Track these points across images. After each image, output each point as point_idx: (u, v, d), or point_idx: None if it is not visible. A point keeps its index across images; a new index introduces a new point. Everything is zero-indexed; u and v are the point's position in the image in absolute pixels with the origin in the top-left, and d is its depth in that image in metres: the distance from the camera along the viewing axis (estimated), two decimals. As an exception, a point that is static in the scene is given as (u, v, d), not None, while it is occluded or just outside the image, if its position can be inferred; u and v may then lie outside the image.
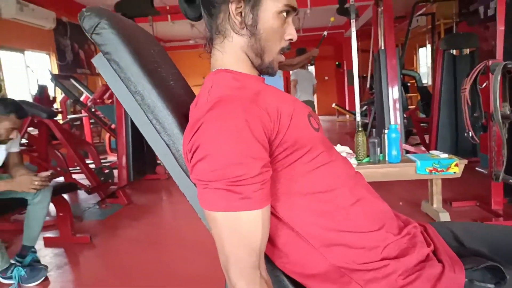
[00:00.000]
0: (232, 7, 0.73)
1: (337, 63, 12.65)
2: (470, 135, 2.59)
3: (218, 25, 0.76)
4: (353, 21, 3.99)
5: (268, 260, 0.74)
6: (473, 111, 2.61)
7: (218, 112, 0.62)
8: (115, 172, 4.17)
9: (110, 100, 5.65)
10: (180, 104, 0.79)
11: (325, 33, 3.87)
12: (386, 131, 2.45)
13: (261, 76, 0.81)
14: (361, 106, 4.83)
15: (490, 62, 2.37)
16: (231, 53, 0.77)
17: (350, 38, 4.18)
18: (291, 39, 0.77)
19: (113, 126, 5.46)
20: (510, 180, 2.36)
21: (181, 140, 0.73)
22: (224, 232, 0.62)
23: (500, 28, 2.80)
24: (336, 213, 0.69)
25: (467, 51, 4.36)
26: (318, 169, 0.70)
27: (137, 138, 4.23)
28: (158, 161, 4.64)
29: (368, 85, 8.11)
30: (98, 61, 0.76)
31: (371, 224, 0.71)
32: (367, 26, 9.14)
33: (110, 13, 0.76)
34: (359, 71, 4.24)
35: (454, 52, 4.31)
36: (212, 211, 0.62)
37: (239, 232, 0.62)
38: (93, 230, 2.81)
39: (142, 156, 4.38)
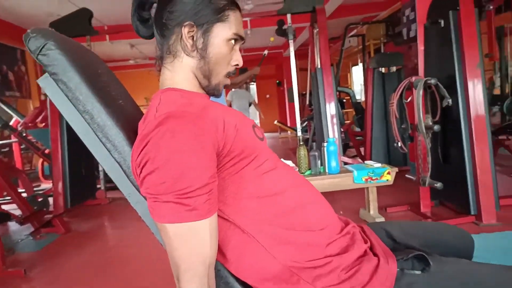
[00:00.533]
0: (185, 30, 0.78)
1: (277, 81, 13.07)
2: (399, 145, 2.82)
3: (169, 46, 0.80)
4: (291, 42, 4.21)
5: (222, 267, 0.77)
6: (400, 123, 2.86)
7: (166, 127, 0.65)
8: (51, 199, 3.94)
9: (44, 124, 5.35)
10: (130, 122, 0.81)
11: (266, 52, 4.03)
12: (325, 144, 2.60)
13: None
14: (302, 122, 5.03)
15: (413, 78, 2.63)
16: (180, 73, 0.81)
17: (289, 57, 4.40)
18: (237, 65, 0.83)
19: (47, 151, 5.16)
20: (436, 184, 2.61)
21: (130, 156, 0.75)
22: (175, 243, 0.65)
23: (420, 48, 3.12)
24: (283, 214, 0.75)
25: (394, 69, 4.77)
26: (264, 175, 0.76)
27: (75, 162, 4.04)
28: (98, 186, 4.45)
29: (307, 102, 8.50)
30: (44, 81, 0.76)
31: (316, 224, 0.77)
32: (304, 46, 9.62)
33: (57, 34, 0.76)
34: (298, 89, 4.46)
35: (383, 70, 4.69)
36: (163, 223, 0.65)
37: (189, 242, 0.65)
38: (28, 262, 2.61)
39: (80, 181, 4.18)
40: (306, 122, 7.50)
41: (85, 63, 0.80)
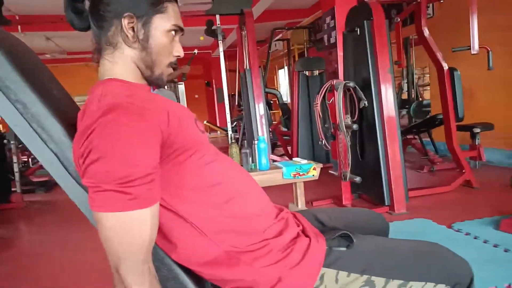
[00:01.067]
0: (125, 21, 0.78)
1: (206, 82, 13.03)
2: (323, 143, 3.03)
3: (109, 37, 0.80)
4: (220, 42, 4.26)
5: (165, 255, 0.79)
6: (324, 122, 3.07)
7: (111, 117, 0.66)
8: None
9: None
10: (66, 113, 0.80)
11: (195, 51, 4.04)
12: (256, 142, 2.70)
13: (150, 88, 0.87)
14: (232, 122, 5.12)
15: (335, 81, 2.84)
16: (121, 64, 0.81)
17: (217, 58, 4.45)
18: (178, 56, 0.86)
19: None
20: (355, 179, 2.85)
21: (70, 148, 0.74)
22: (115, 232, 0.66)
23: (340, 53, 3.38)
24: (223, 203, 0.80)
25: (316, 72, 5.07)
26: (206, 166, 0.79)
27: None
28: (14, 189, 4.07)
29: (236, 103, 8.63)
30: (-31, 70, 0.72)
31: (253, 211, 0.83)
32: (233, 47, 9.74)
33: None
34: (227, 90, 4.54)
35: (307, 73, 4.96)
36: (103, 212, 0.66)
37: (129, 230, 0.66)
38: None
39: (-9, 185, 3.80)
40: (235, 122, 7.61)
41: (16, 52, 0.77)
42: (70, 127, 0.76)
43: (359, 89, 2.78)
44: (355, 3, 3.19)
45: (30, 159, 4.91)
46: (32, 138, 0.74)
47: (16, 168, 4.06)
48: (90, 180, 0.65)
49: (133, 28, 0.79)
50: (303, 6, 8.28)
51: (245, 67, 4.40)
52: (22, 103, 0.72)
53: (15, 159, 4.08)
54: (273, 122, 7.02)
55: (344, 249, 0.84)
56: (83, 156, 0.66)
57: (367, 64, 2.84)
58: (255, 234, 0.81)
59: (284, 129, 6.30)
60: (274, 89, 7.50)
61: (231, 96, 8.98)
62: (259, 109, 4.23)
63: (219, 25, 4.34)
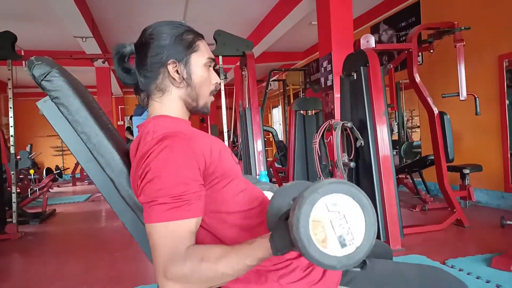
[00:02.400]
0: (170, 68, 0.93)
1: (201, 118, 13.24)
2: (321, 179, 3.15)
3: (157, 84, 0.95)
4: (222, 82, 4.46)
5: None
6: (321, 160, 3.21)
7: (165, 144, 0.78)
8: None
9: None
10: (120, 144, 0.92)
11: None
12: (258, 176, 2.81)
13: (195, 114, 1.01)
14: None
15: (333, 121, 3.01)
16: (168, 103, 0.95)
17: (213, 95, 4.64)
18: (216, 83, 1.00)
19: None
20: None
21: (124, 174, 0.86)
22: (165, 239, 0.75)
23: (336, 95, 3.59)
24: (255, 227, 0.91)
25: (313, 112, 5.29)
26: (240, 194, 0.91)
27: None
28: (9, 219, 4.06)
29: (231, 139, 8.79)
30: (43, 104, 0.84)
31: None
32: (228, 86, 10.05)
33: (58, 64, 0.86)
34: (219, 126, 4.69)
35: (303, 112, 5.18)
36: (155, 223, 0.76)
37: (177, 237, 0.76)
38: None
39: (-13, 214, 3.80)
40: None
41: (80, 90, 0.90)
42: (124, 157, 0.88)
43: (356, 129, 2.95)
44: (352, 51, 3.44)
45: (29, 190, 4.91)
46: (92, 164, 0.86)
47: (14, 198, 4.08)
48: (146, 198, 0.77)
49: (177, 71, 0.94)
50: (298, 49, 8.72)
51: (245, 105, 4.59)
52: (87, 135, 0.84)
53: (13, 189, 4.10)
54: (268, 159, 7.17)
55: (358, 269, 0.94)
56: (141, 177, 0.77)
57: (363, 106, 3.03)
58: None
59: (279, 166, 6.44)
60: (270, 127, 7.71)
61: (227, 133, 9.15)
62: (258, 145, 4.37)
63: (222, 66, 4.57)
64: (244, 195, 0.92)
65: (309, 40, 7.84)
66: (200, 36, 0.99)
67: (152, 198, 0.76)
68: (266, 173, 2.88)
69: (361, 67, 3.06)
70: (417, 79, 3.35)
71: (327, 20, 4.04)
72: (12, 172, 4.11)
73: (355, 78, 3.18)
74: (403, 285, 0.91)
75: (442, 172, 3.42)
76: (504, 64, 3.94)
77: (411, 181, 4.66)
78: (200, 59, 0.96)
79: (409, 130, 8.17)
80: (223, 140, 4.76)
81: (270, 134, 7.52)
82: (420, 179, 4.75)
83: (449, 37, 3.47)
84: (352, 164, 2.94)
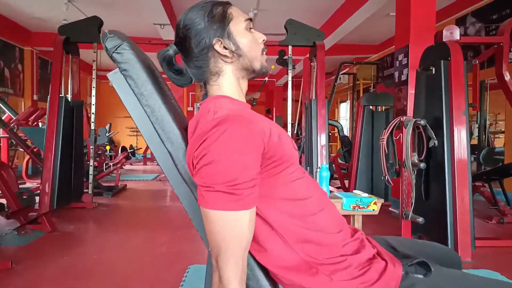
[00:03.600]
0: (217, 47, 0.91)
1: (267, 109, 13.34)
2: (386, 178, 2.99)
3: (211, 69, 0.93)
4: (290, 72, 4.42)
5: (250, 256, 0.87)
6: (388, 158, 3.04)
7: (224, 127, 0.76)
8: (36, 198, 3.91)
9: (35, 123, 5.34)
10: (181, 119, 0.93)
11: (266, 79, 4.22)
12: (318, 169, 2.73)
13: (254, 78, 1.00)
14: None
15: (404, 118, 2.82)
16: (226, 85, 0.94)
17: (280, 87, 4.63)
18: (264, 40, 0.97)
19: (36, 149, 5.13)
20: (417, 219, 2.76)
21: (182, 149, 0.86)
22: (219, 227, 0.75)
23: (411, 91, 3.36)
24: (307, 216, 0.87)
25: (382, 108, 5.03)
26: (296, 181, 0.87)
27: (66, 163, 4.06)
28: (86, 190, 4.44)
29: (295, 131, 8.72)
30: (113, 76, 0.87)
31: (333, 227, 0.89)
32: (296, 78, 9.95)
33: (129, 38, 0.89)
34: (284, 118, 4.65)
35: (372, 108, 4.95)
36: (211, 209, 0.76)
37: (231, 227, 0.75)
38: (14, 256, 2.60)
39: (68, 183, 4.18)
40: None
41: (148, 65, 0.92)
42: (183, 131, 0.89)
43: (429, 128, 2.74)
44: (432, 43, 3.19)
45: (104, 165, 5.33)
46: (153, 137, 0.87)
47: (91, 171, 4.44)
48: (202, 180, 0.76)
49: (224, 47, 0.91)
50: (372, 42, 8.33)
51: (311, 97, 4.50)
52: (151, 108, 0.86)
53: (91, 162, 4.47)
54: (331, 154, 6.98)
55: (421, 276, 0.86)
56: (197, 158, 0.77)
57: (441, 103, 2.80)
58: (334, 248, 0.87)
59: (342, 162, 6.25)
60: (336, 121, 7.50)
61: (291, 125, 9.11)
62: (321, 139, 4.27)
63: (291, 56, 4.51)
64: (300, 183, 0.88)
65: (385, 33, 7.44)
66: (228, 4, 0.95)
67: (208, 183, 0.75)
68: (328, 166, 2.79)
69: (442, 61, 2.82)
70: (507, 77, 3.01)
71: (407, 9, 3.79)
72: (91, 147, 4.47)
73: (433, 72, 2.94)
74: None
75: (528, 182, 3.05)
76: None
77: (489, 190, 4.25)
78: (238, 25, 0.92)
79: (491, 135, 7.45)
80: (287, 132, 4.72)
81: (335, 129, 7.31)
82: (500, 189, 4.31)
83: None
84: (422, 165, 2.73)
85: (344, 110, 11.82)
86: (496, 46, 3.08)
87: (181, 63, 0.99)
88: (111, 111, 12.11)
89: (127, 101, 0.88)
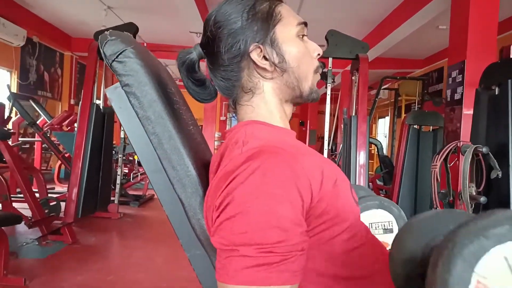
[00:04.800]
0: (254, 55, 0.67)
1: (300, 121, 13.04)
2: (437, 209, 2.63)
3: (243, 85, 0.69)
4: (329, 85, 4.15)
5: None
6: (440, 188, 2.68)
7: (257, 164, 0.52)
8: (62, 204, 3.83)
9: (69, 128, 5.36)
10: (200, 153, 0.69)
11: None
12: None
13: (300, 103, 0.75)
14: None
15: (461, 143, 2.48)
16: (263, 105, 0.69)
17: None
18: (319, 55, 0.71)
19: (67, 154, 5.12)
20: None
21: (198, 196, 0.62)
22: None
23: (467, 112, 3.00)
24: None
25: (430, 128, 4.63)
26: (355, 251, 0.61)
27: (93, 171, 3.96)
28: (112, 198, 4.33)
29: (329, 147, 8.37)
30: (112, 92, 0.65)
31: None
32: (333, 91, 9.63)
33: (136, 42, 0.67)
34: (318, 132, 4.35)
35: (417, 127, 4.55)
36: (233, 285, 0.50)
37: None
38: (30, 270, 2.47)
39: (95, 192, 4.08)
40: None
41: (160, 78, 0.70)
42: (202, 171, 0.65)
43: (492, 157, 2.38)
44: (493, 59, 2.82)
45: (132, 174, 5.24)
46: (158, 176, 0.64)
47: (118, 180, 4.34)
48: (223, 241, 0.51)
49: (264, 56, 0.67)
50: (418, 56, 7.91)
51: (351, 113, 4.20)
52: (158, 137, 0.63)
53: (119, 171, 4.36)
54: (369, 173, 6.57)
55: None
56: (219, 209, 0.52)
57: (506, 128, 2.42)
58: None
59: (381, 183, 5.84)
60: (375, 139, 7.09)
61: (321, 139, 8.78)
62: (360, 158, 3.95)
63: (331, 68, 4.24)
64: (361, 255, 0.61)
65: (431, 47, 7.01)
66: (277, 0, 0.70)
67: (231, 245, 0.50)
68: (369, 191, 2.49)
69: (509, 80, 2.46)
70: None
71: (464, 21, 3.43)
72: (120, 155, 4.38)
73: (497, 93, 2.58)
74: None
75: None
76: None
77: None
78: (288, 29, 0.67)
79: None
80: (322, 148, 4.43)
81: (374, 147, 6.90)
82: None
83: None
84: (483, 199, 2.37)
85: (382, 127, 11.31)
86: None
87: (206, 72, 0.75)
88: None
89: (128, 125, 0.65)
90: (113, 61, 0.63)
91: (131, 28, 4.19)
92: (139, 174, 5.23)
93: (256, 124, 0.67)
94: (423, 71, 7.81)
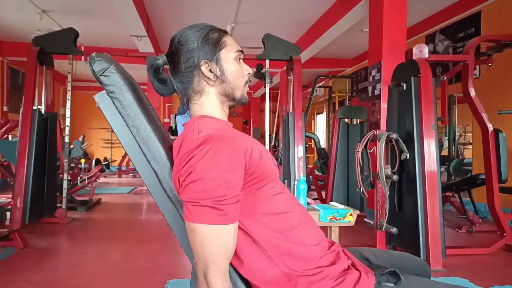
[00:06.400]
0: (203, 68, 0.96)
1: (244, 120, 13.41)
2: (361, 190, 3.08)
3: (194, 87, 0.98)
4: (267, 85, 4.50)
5: (232, 269, 0.90)
6: (363, 170, 3.14)
7: (210, 146, 0.80)
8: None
9: (6, 136, 5.19)
10: (165, 138, 0.96)
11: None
12: (296, 182, 2.79)
13: (234, 107, 1.05)
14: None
15: (378, 131, 2.94)
16: (208, 104, 0.99)
17: (257, 98, 4.69)
18: (249, 74, 1.03)
19: (6, 163, 4.98)
20: (391, 230, 2.86)
21: (167, 167, 0.89)
22: (205, 241, 0.79)
23: (384, 105, 3.50)
24: (288, 230, 0.91)
25: (357, 121, 5.18)
26: (276, 196, 0.92)
27: (38, 178, 3.95)
28: (59, 204, 4.33)
29: (272, 143, 8.81)
30: (100, 97, 0.90)
31: (312, 240, 0.94)
32: (273, 90, 10.09)
33: (115, 61, 0.92)
34: (262, 129, 4.71)
35: (347, 120, 5.09)
36: (198, 223, 0.79)
37: (217, 241, 0.79)
38: (-16, 275, 2.51)
39: (41, 198, 4.07)
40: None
41: (133, 86, 0.95)
42: (168, 151, 0.92)
43: (401, 141, 2.86)
44: (403, 60, 3.34)
45: (78, 178, 5.22)
46: (137, 156, 0.90)
47: (65, 185, 4.34)
48: (189, 196, 0.79)
49: (210, 70, 0.96)
50: (347, 56, 8.58)
51: (288, 110, 4.59)
52: (136, 128, 0.88)
53: (65, 176, 4.37)
54: (308, 166, 7.08)
55: (392, 285, 0.91)
56: (183, 176, 0.80)
57: (412, 118, 2.92)
58: (312, 260, 0.91)
59: (319, 173, 6.35)
60: (313, 133, 7.63)
61: (269, 137, 9.19)
62: (299, 151, 4.35)
63: (268, 69, 4.60)
64: (280, 197, 0.93)
65: (359, 47, 7.70)
66: (224, 32, 1.01)
67: (194, 198, 0.78)
68: (305, 179, 2.86)
69: (412, 78, 2.96)
70: (472, 93, 3.19)
71: (379, 27, 3.95)
72: (65, 160, 4.38)
73: (404, 88, 3.08)
74: None
75: (493, 193, 3.22)
76: None
77: (458, 200, 4.42)
78: (229, 53, 0.98)
79: (461, 147, 7.76)
80: (264, 144, 4.78)
81: (312, 141, 7.44)
82: (469, 199, 4.50)
83: (510, 50, 3.28)
84: (395, 177, 2.84)
85: (320, 122, 12.03)
86: (462, 64, 3.25)
87: (167, 73, 1.03)
88: (85, 122, 11.88)
89: (114, 122, 0.90)
90: (100, 75, 0.87)
91: (71, 33, 4.22)
92: (85, 178, 5.22)
93: (205, 117, 0.96)
94: (353, 70, 8.52)
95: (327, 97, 8.63)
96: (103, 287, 2.40)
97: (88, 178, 5.32)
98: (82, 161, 5.80)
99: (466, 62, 3.17)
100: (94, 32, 6.98)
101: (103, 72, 0.87)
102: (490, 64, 3.43)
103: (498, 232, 3.34)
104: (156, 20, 6.24)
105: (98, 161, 9.93)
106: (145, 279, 2.51)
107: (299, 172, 4.35)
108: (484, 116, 3.22)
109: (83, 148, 8.54)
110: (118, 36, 7.06)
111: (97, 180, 6.62)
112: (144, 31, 5.86)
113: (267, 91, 4.66)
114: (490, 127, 3.22)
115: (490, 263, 2.93)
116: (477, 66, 4.78)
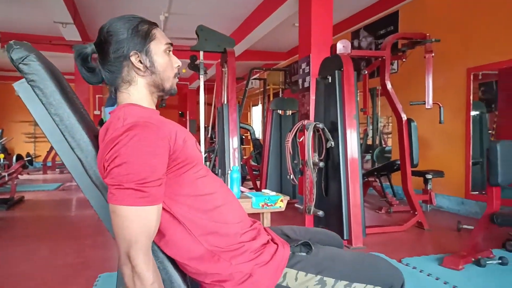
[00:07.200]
0: (133, 59, 0.99)
1: (180, 112, 13.21)
2: (291, 177, 3.26)
3: (123, 77, 1.00)
4: (202, 77, 4.52)
5: (159, 249, 0.96)
6: (293, 159, 3.32)
7: (134, 132, 0.85)
8: None
9: None
10: (90, 127, 0.98)
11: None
12: (229, 171, 2.89)
13: (164, 98, 1.09)
14: (204, 153, 5.29)
15: (306, 122, 3.12)
16: (136, 93, 1.02)
17: (194, 90, 4.68)
18: (178, 66, 1.07)
19: None
20: (318, 213, 3.07)
21: (92, 155, 0.92)
22: (128, 222, 0.83)
23: (312, 97, 3.70)
24: (211, 210, 0.99)
25: (290, 112, 5.41)
26: (200, 179, 0.99)
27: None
28: (-24, 202, 3.99)
29: (209, 135, 8.84)
30: (20, 86, 0.89)
31: (234, 219, 1.02)
32: (210, 81, 10.08)
33: (36, 50, 0.91)
34: (198, 122, 4.74)
35: (281, 112, 5.29)
36: (121, 205, 0.83)
37: (139, 221, 0.84)
38: None
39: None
40: (206, 154, 7.77)
41: (56, 75, 0.95)
42: (93, 138, 0.94)
43: (327, 131, 3.07)
44: (328, 55, 3.56)
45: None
46: (62, 144, 0.91)
47: (-18, 181, 4.02)
48: (113, 180, 0.83)
49: (140, 61, 1.00)
50: (281, 49, 8.83)
51: (223, 101, 4.65)
52: (59, 117, 0.90)
53: (-17, 172, 4.04)
54: (244, 157, 7.22)
55: (304, 254, 1.04)
56: (108, 161, 0.84)
57: (336, 109, 3.15)
58: (234, 236, 1.00)
59: (254, 164, 6.52)
60: (248, 124, 7.78)
61: (205, 129, 9.20)
62: (233, 142, 4.44)
63: (202, 61, 4.61)
64: (204, 181, 1.00)
65: (292, 41, 7.95)
66: (154, 25, 1.05)
67: (118, 182, 0.82)
68: (239, 168, 2.96)
69: (336, 71, 3.18)
70: (388, 86, 3.50)
71: (308, 23, 4.16)
72: (-18, 155, 4.04)
73: (329, 81, 3.30)
74: (341, 268, 1.01)
75: (407, 176, 3.59)
76: (471, 77, 4.16)
77: (379, 184, 4.84)
78: (159, 46, 1.02)
79: (385, 136, 8.43)
80: (200, 136, 4.81)
81: (248, 132, 7.59)
82: (389, 183, 4.94)
83: (421, 47, 3.65)
84: (322, 164, 3.05)
85: (256, 114, 12.26)
86: (380, 59, 3.56)
87: (95, 62, 1.04)
88: (4, 115, 10.91)
89: (35, 111, 0.90)
90: (19, 63, 0.87)
91: (-15, 17, 3.87)
92: (5, 175, 4.85)
93: (131, 106, 0.99)
94: (287, 63, 8.80)
95: (262, 89, 8.84)
96: (34, 285, 2.30)
97: (8, 175, 4.94)
98: (1, 156, 5.36)
99: (383, 57, 3.48)
100: (13, 18, 6.42)
101: (22, 61, 0.87)
102: (404, 60, 3.79)
103: (411, 211, 3.74)
104: (84, 6, 5.91)
105: (19, 157, 9.19)
106: (76, 274, 2.45)
107: (234, 163, 4.44)
108: (399, 107, 3.56)
109: (2, 142, 7.86)
110: (40, 23, 6.57)
111: (19, 177, 6.16)
112: (69, 18, 5.53)
113: (202, 83, 4.68)
114: (404, 117, 3.57)
115: (403, 238, 3.29)
116: (395, 62, 5.22)
